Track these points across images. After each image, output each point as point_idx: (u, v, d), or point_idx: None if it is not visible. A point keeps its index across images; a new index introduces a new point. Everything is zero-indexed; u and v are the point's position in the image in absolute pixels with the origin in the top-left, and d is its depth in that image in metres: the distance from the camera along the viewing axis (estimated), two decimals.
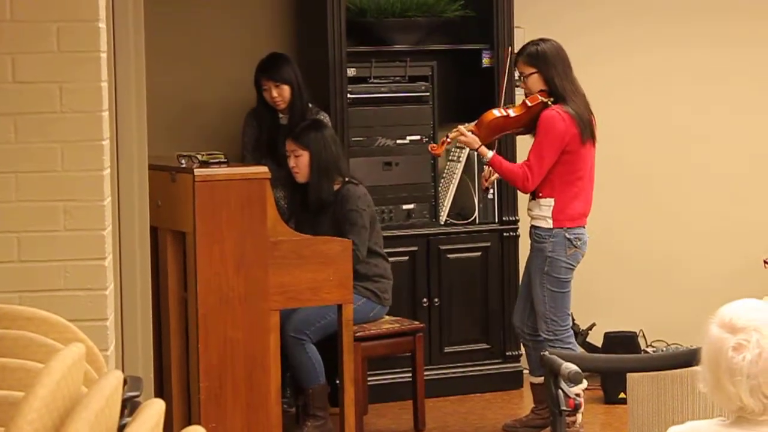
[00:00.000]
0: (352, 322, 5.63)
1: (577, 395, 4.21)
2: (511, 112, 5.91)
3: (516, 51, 6.19)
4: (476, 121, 5.93)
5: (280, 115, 6.37)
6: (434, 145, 6.06)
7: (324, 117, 6.30)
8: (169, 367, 5.60)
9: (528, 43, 5.95)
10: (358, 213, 5.91)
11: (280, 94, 6.29)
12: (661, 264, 7.40)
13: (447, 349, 6.76)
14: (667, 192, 7.41)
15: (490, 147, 6.01)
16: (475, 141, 5.90)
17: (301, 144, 5.94)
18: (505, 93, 6.30)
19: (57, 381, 2.46)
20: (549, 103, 5.83)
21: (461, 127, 5.92)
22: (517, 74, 6.12)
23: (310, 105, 6.35)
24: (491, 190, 6.73)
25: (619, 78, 7.28)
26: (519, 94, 6.33)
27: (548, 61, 5.84)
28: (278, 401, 5.45)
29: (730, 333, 2.78)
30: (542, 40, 5.91)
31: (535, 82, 5.87)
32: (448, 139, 5.96)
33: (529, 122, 5.89)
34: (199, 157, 5.56)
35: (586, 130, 5.81)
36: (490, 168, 5.99)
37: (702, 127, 7.43)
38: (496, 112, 5.93)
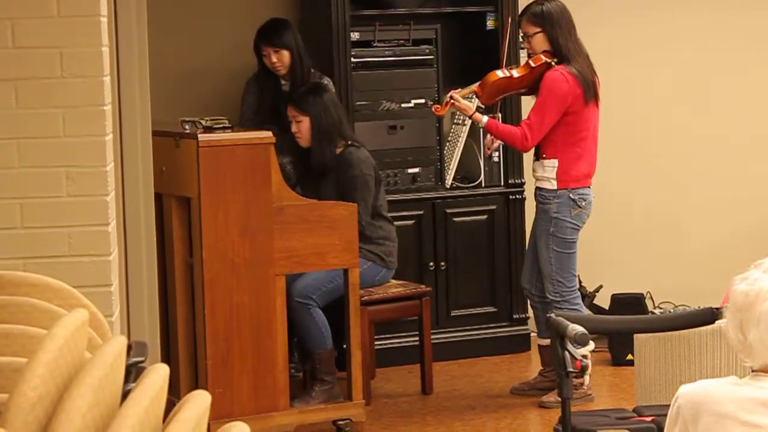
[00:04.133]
0: (358, 286, 5.62)
1: (584, 357, 4.20)
2: (515, 73, 5.88)
3: (519, 12, 6.15)
4: (479, 82, 5.91)
5: (282, 81, 6.34)
6: (438, 106, 6.02)
7: (327, 82, 6.27)
8: (175, 332, 5.60)
9: (532, 3, 5.92)
10: (362, 178, 5.89)
11: (280, 59, 6.26)
12: (668, 226, 7.38)
13: (454, 313, 6.75)
14: (675, 155, 7.38)
15: (493, 108, 6.00)
16: (469, 108, 5.89)
17: (300, 109, 5.91)
18: (509, 54, 6.26)
19: (60, 347, 2.45)
20: (552, 63, 5.80)
21: (454, 94, 5.88)
22: (521, 35, 6.08)
23: (312, 70, 6.32)
24: (496, 154, 6.72)
25: (626, 41, 7.23)
26: (523, 56, 6.30)
27: (553, 20, 5.81)
28: (285, 366, 5.45)
29: (755, 268, 2.81)
30: (546, 0, 5.88)
31: (540, 42, 5.84)
32: (452, 101, 5.91)
33: (532, 83, 5.87)
34: (203, 122, 5.55)
35: (589, 91, 5.79)
36: (492, 137, 5.99)
37: (710, 92, 7.39)
38: (500, 73, 5.90)
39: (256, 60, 6.34)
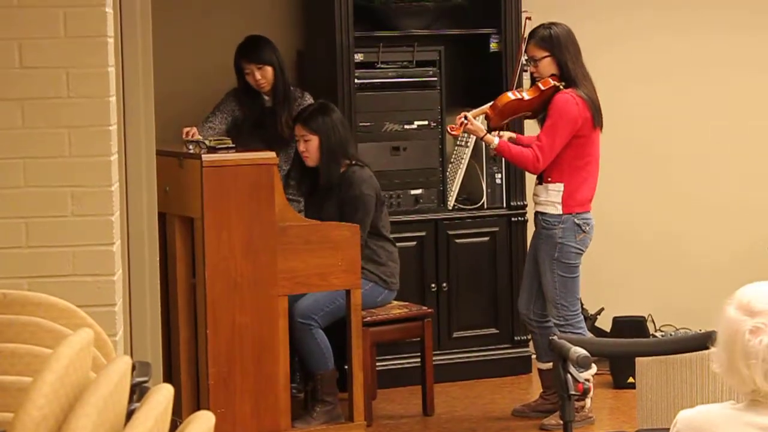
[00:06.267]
0: (360, 307, 5.63)
1: (587, 380, 4.21)
2: (525, 95, 5.88)
3: (522, 34, 6.16)
4: (491, 104, 5.91)
5: (265, 98, 6.35)
6: (453, 125, 5.98)
7: (308, 98, 6.28)
8: (177, 352, 5.61)
9: (539, 27, 5.91)
10: (361, 198, 5.89)
11: (264, 75, 6.27)
12: (669, 248, 7.39)
13: (455, 334, 6.75)
14: (677, 178, 7.39)
15: (499, 130, 6.00)
16: (481, 129, 5.89)
17: (310, 128, 5.93)
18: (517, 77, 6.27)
19: (65, 366, 2.45)
20: (561, 87, 5.81)
21: (469, 114, 5.88)
22: (524, 58, 6.08)
23: (291, 87, 6.33)
24: (498, 176, 6.74)
25: (628, 63, 7.25)
26: (526, 79, 6.31)
27: (561, 44, 5.81)
28: (287, 386, 5.45)
29: (748, 316, 2.76)
30: (553, 24, 5.89)
31: (547, 65, 5.85)
32: (466, 120, 5.88)
33: (540, 106, 5.88)
34: (206, 142, 5.57)
35: (597, 115, 5.80)
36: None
37: (713, 114, 7.41)
38: (511, 95, 5.90)
39: (237, 78, 6.33)
